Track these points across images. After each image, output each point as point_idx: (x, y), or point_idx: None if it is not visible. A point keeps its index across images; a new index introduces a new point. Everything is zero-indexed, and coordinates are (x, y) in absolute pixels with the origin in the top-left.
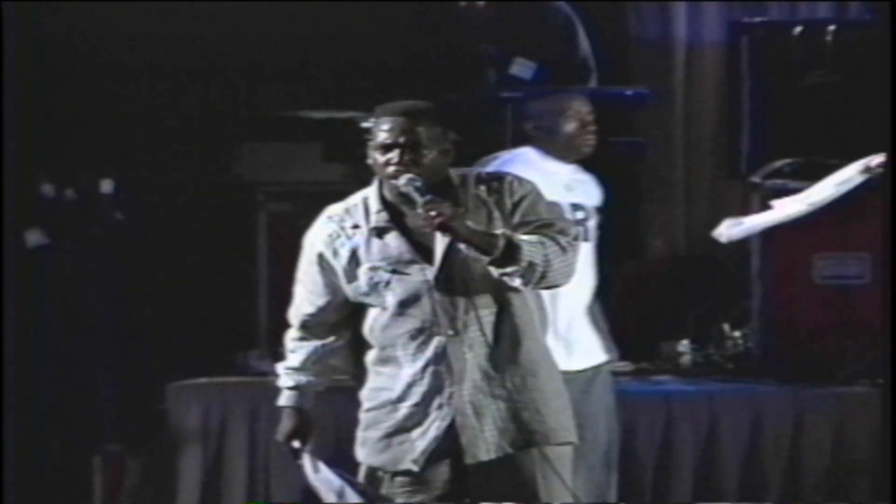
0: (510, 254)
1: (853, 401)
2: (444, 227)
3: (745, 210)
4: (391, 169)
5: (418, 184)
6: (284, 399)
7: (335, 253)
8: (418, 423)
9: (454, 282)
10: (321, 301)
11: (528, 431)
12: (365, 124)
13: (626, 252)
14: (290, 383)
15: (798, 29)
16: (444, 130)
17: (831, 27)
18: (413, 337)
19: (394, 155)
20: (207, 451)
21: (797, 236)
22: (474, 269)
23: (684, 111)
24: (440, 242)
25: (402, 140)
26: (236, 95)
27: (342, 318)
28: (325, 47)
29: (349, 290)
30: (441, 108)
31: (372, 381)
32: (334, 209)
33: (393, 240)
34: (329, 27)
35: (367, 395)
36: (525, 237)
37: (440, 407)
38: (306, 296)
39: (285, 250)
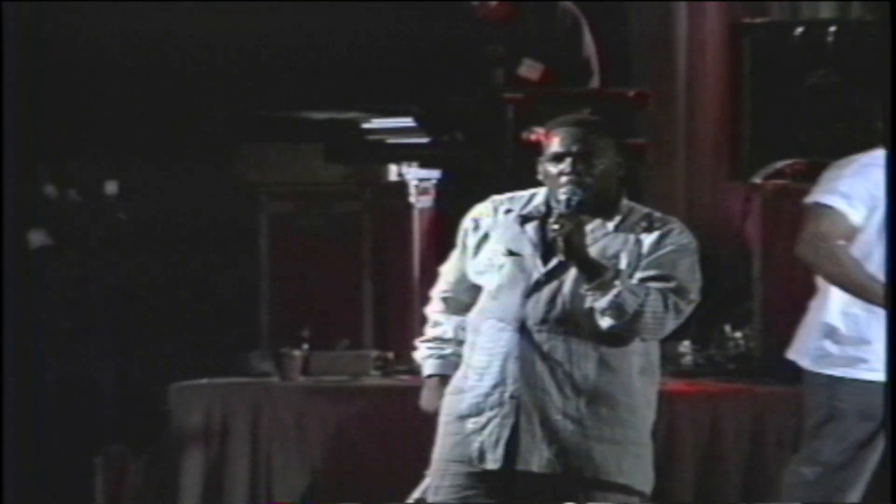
0: (608, 287)
1: None
2: (558, 241)
3: (746, 211)
4: (563, 178)
5: (575, 197)
6: (433, 367)
7: (476, 228)
8: (476, 415)
9: (555, 290)
10: (456, 275)
11: (585, 458)
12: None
13: None
14: (445, 351)
15: (800, 29)
16: (617, 143)
17: (833, 28)
18: (494, 326)
19: (566, 165)
20: (209, 451)
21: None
22: (580, 292)
23: (686, 112)
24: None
25: (574, 149)
26: (238, 96)
27: (474, 301)
28: (328, 47)
29: (471, 266)
30: (444, 108)
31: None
32: (501, 196)
33: (531, 229)
34: (332, 26)
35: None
36: (633, 282)
37: (500, 404)
38: (447, 270)
39: (286, 250)
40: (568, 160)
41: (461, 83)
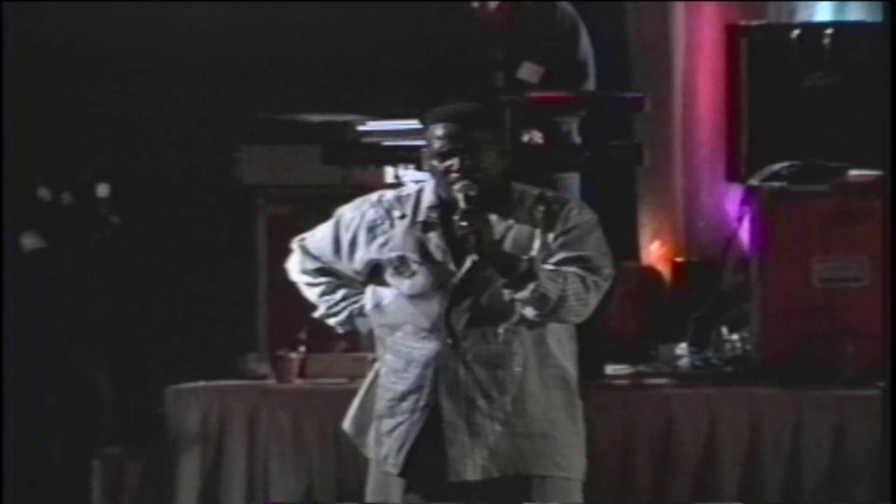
0: (525, 281)
1: (852, 403)
2: (469, 239)
3: (743, 213)
4: (453, 176)
5: (472, 192)
6: (367, 323)
7: (373, 238)
8: (388, 417)
9: (471, 293)
10: (334, 259)
11: (519, 458)
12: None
13: (625, 255)
14: (360, 302)
15: (797, 31)
16: (501, 131)
17: (830, 30)
18: (413, 332)
19: (454, 162)
20: (206, 454)
21: (796, 239)
22: (499, 288)
23: (683, 114)
24: (472, 256)
25: (459, 146)
26: (235, 98)
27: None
28: (325, 49)
29: (361, 266)
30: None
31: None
32: (387, 194)
33: (434, 236)
34: (330, 28)
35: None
36: (549, 268)
37: (412, 411)
38: (319, 246)
39: (284, 253)
40: (455, 158)
41: (460, 86)
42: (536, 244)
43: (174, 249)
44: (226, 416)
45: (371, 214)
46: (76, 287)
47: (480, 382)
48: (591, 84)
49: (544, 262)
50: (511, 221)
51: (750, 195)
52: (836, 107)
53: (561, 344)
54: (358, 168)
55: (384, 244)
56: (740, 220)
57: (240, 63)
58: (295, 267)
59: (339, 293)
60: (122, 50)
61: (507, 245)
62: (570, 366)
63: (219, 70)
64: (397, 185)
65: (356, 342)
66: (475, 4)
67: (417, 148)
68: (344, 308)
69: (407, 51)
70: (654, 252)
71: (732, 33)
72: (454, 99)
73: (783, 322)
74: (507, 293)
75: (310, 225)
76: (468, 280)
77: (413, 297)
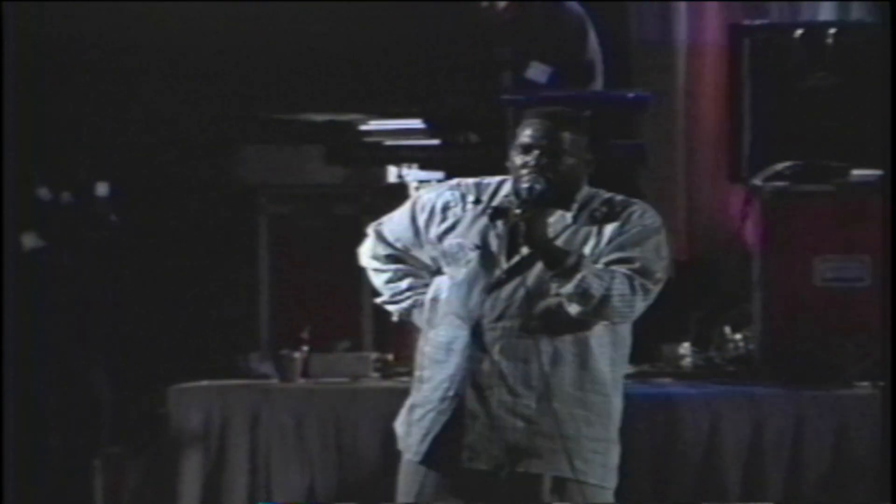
0: (570, 274)
1: (854, 403)
2: (520, 227)
3: (745, 213)
4: (525, 170)
5: (538, 186)
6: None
7: (444, 219)
8: (420, 407)
9: (515, 287)
10: (406, 244)
11: (537, 456)
12: None
13: None
14: (424, 294)
15: (799, 31)
16: (590, 141)
17: (832, 30)
18: (450, 322)
19: (531, 157)
20: (208, 453)
21: (798, 239)
22: (544, 286)
23: (685, 114)
24: (524, 250)
25: (543, 143)
26: (237, 97)
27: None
28: (328, 48)
29: (430, 251)
30: (450, 110)
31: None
32: (467, 180)
33: (500, 225)
34: (331, 28)
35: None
36: (597, 266)
37: (442, 400)
38: (394, 231)
39: (286, 252)
40: (534, 153)
41: (468, 85)
42: (588, 248)
43: (175, 249)
44: (228, 416)
45: (446, 196)
46: (76, 287)
47: (505, 375)
48: (599, 84)
49: (596, 261)
50: (569, 220)
51: (752, 195)
52: (838, 107)
53: (604, 348)
54: (360, 167)
55: (450, 229)
56: (743, 219)
57: (240, 62)
58: (366, 252)
59: (405, 282)
60: (122, 50)
61: (559, 243)
62: (608, 371)
63: (219, 69)
64: (400, 184)
65: (358, 341)
66: (483, 4)
67: (420, 148)
68: (408, 297)
69: (409, 50)
70: None
71: (735, 33)
72: (460, 98)
73: (785, 322)
74: (553, 286)
75: (311, 224)
76: (512, 275)
77: (459, 285)
